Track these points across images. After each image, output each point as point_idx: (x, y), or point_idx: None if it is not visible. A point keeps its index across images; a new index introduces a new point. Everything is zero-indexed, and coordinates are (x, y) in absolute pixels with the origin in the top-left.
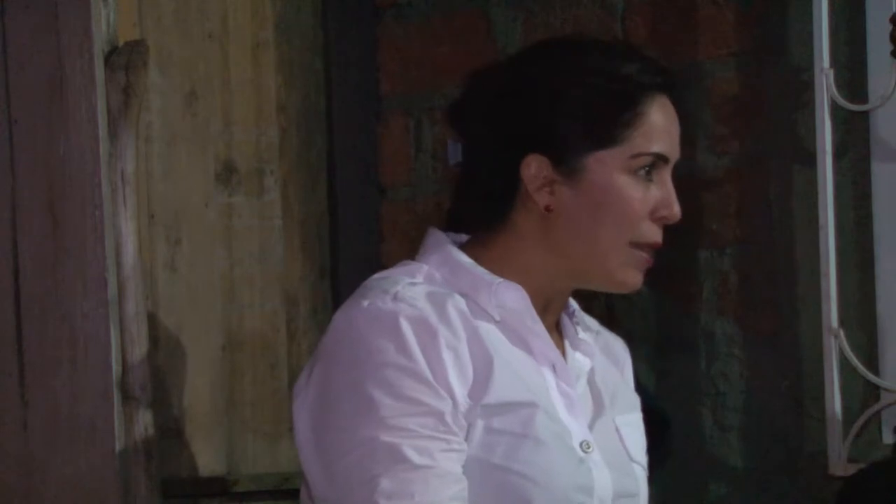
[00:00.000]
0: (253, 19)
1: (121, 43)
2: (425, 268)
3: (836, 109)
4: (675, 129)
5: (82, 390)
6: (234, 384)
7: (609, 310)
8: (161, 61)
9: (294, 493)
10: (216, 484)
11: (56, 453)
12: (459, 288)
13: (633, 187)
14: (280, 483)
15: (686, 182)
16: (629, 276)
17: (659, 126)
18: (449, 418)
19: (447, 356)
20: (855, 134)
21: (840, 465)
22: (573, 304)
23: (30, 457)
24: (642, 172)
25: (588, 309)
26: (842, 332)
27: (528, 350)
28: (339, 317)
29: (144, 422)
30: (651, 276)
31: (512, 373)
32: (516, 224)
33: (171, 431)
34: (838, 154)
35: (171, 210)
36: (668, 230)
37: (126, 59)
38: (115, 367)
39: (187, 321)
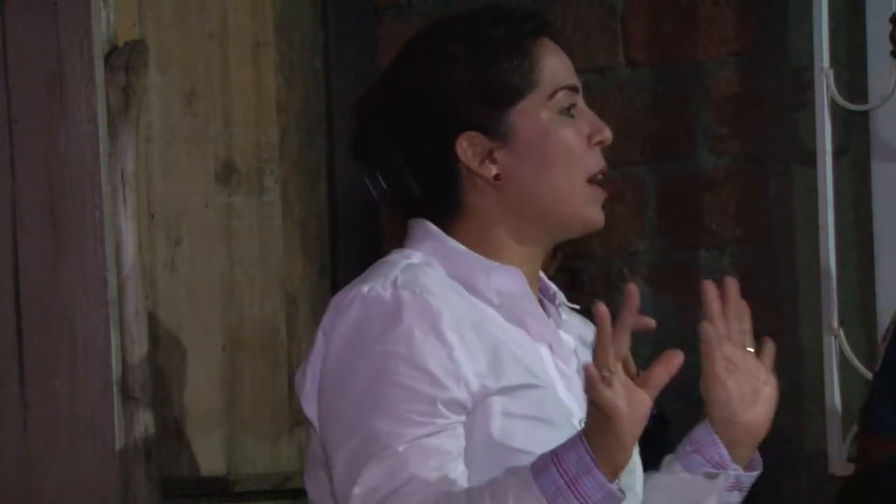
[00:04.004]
0: (253, 19)
1: (121, 43)
2: (419, 254)
3: (836, 109)
4: (568, 62)
5: (82, 390)
6: (234, 384)
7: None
8: (161, 61)
9: (294, 493)
10: (216, 484)
11: (56, 453)
12: (456, 273)
13: (564, 124)
14: (280, 483)
15: (686, 182)
16: (595, 214)
17: (556, 62)
18: (442, 404)
19: (452, 337)
20: (855, 134)
21: (840, 465)
22: (552, 285)
23: (30, 457)
24: (565, 112)
25: (587, 311)
26: (842, 332)
27: (525, 329)
28: (340, 301)
29: (144, 422)
30: (651, 276)
31: (516, 356)
32: (473, 208)
33: (171, 431)
34: (838, 154)
35: (171, 210)
36: (670, 229)
37: (126, 59)
38: (115, 367)
39: (187, 321)
